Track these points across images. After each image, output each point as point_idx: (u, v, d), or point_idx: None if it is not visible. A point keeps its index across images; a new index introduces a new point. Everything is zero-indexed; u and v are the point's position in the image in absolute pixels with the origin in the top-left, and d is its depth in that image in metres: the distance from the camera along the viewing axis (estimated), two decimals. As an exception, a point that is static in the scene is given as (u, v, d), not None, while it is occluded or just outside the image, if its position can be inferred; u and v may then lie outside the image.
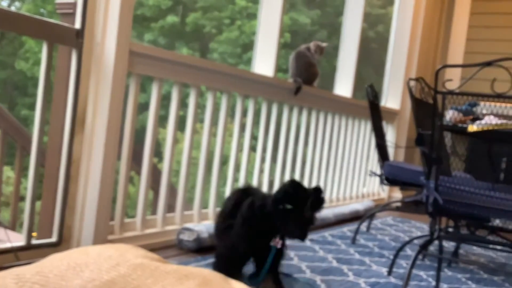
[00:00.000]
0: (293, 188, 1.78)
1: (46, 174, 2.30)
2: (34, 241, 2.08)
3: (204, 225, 2.64)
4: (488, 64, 1.85)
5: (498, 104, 2.00)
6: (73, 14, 2.17)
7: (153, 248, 2.38)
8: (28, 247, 2.03)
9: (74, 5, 2.19)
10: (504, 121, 2.10)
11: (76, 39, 2.10)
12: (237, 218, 1.88)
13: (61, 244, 2.15)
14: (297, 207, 1.77)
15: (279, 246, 1.85)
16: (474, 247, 3.27)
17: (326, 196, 4.05)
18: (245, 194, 1.98)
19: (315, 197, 1.79)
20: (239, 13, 13.07)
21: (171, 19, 12.84)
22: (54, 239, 2.15)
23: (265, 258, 1.87)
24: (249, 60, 11.23)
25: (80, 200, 2.19)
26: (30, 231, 2.04)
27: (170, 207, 2.68)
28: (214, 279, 0.84)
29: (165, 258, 2.39)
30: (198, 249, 2.49)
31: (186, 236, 2.51)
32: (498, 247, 2.61)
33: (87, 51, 2.15)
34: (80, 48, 2.12)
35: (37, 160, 2.03)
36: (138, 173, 2.87)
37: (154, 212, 2.97)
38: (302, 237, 1.81)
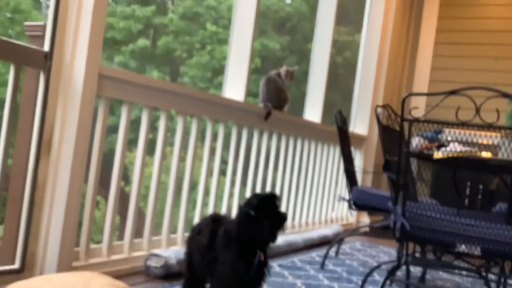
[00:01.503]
0: (253, 196, 1.87)
1: (10, 199, 2.23)
2: (-5, 268, 2.01)
3: (172, 250, 2.60)
4: (453, 92, 1.90)
5: (462, 131, 2.05)
6: (42, 37, 2.14)
7: (119, 275, 2.33)
8: (-12, 274, 1.96)
9: (43, 27, 2.17)
10: (468, 148, 2.15)
11: (44, 61, 2.08)
12: (220, 251, 1.89)
13: (24, 271, 2.08)
14: (259, 213, 1.82)
15: (262, 258, 1.85)
16: (441, 272, 3.31)
17: (296, 221, 4.05)
18: (216, 223, 1.97)
19: (270, 201, 1.84)
20: (209, 38, 13.16)
21: (142, 42, 12.83)
22: (16, 265, 2.08)
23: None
24: (219, 84, 11.27)
25: (44, 226, 2.13)
26: (-9, 257, 1.97)
27: (137, 232, 2.63)
28: (182, 308, 0.83)
29: (132, 285, 2.34)
30: (166, 275, 2.45)
31: (153, 263, 2.47)
32: (464, 272, 2.65)
33: (56, 74, 2.12)
34: (49, 71, 2.09)
35: (1, 184, 1.97)
36: (105, 197, 2.83)
37: (121, 237, 2.91)
38: (271, 238, 1.82)
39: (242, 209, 1.85)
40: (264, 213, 1.84)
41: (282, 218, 1.83)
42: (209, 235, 1.94)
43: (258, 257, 1.85)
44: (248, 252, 1.86)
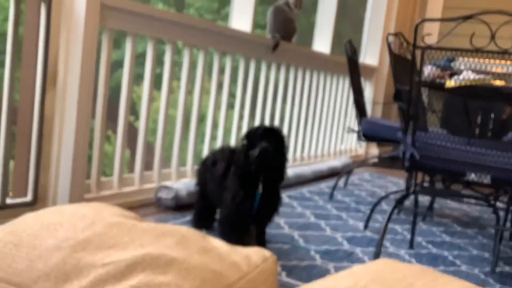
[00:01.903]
0: (252, 128, 1.93)
1: (19, 133, 2.24)
2: (9, 201, 2.04)
3: (182, 183, 2.63)
4: (468, 17, 1.83)
5: (476, 59, 2.00)
6: (40, -35, 2.06)
7: (131, 207, 2.37)
8: (2, 206, 2.00)
9: (41, -45, 2.08)
10: (481, 76, 2.10)
11: (44, -9, 2.01)
12: (228, 180, 1.94)
13: (36, 204, 2.12)
14: (247, 144, 1.89)
15: (259, 190, 1.88)
16: (449, 201, 3.34)
17: (305, 153, 4.06)
18: (232, 155, 2.01)
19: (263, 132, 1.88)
20: (215, -33, 12.73)
21: (146, -28, 12.46)
22: (29, 198, 2.11)
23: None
24: (226, 16, 11.02)
25: (54, 159, 2.15)
26: (4, 191, 2.00)
27: (147, 165, 2.66)
28: (192, 237, 0.83)
29: (143, 216, 2.39)
30: (176, 207, 2.49)
31: (164, 194, 2.50)
32: (472, 201, 2.67)
33: (57, 5, 2.06)
34: (49, 2, 2.03)
35: (9, 118, 1.97)
36: (115, 131, 2.83)
37: (131, 170, 2.95)
38: (254, 164, 1.85)
39: (241, 141, 1.92)
40: (251, 144, 1.87)
41: (261, 149, 1.83)
42: (225, 165, 1.98)
43: (259, 188, 1.88)
44: (250, 183, 1.89)
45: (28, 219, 0.89)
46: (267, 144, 1.84)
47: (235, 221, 1.93)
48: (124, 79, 2.43)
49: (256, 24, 3.32)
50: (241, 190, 1.89)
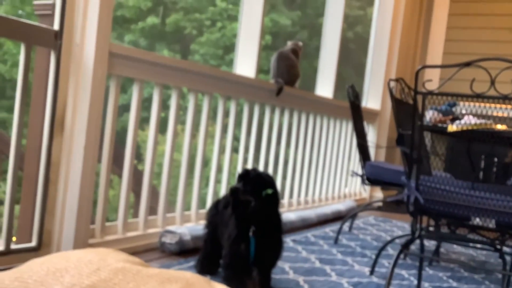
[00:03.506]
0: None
1: (25, 178, 2.26)
2: (14, 246, 2.04)
3: (186, 227, 2.63)
4: (467, 64, 1.87)
5: (477, 104, 2.02)
6: (51, 15, 2.14)
7: (135, 252, 2.36)
8: (7, 252, 2.00)
9: (52, 6, 2.16)
10: (483, 120, 2.12)
11: (54, 40, 2.07)
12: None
13: (40, 249, 2.12)
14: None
15: (250, 233, 1.89)
16: (455, 246, 3.30)
17: (309, 196, 4.06)
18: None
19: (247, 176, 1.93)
20: (219, 15, 13.03)
21: (152, 20, 12.74)
22: (33, 243, 2.11)
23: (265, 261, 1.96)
24: (231, 62, 11.21)
25: (59, 204, 2.16)
26: (9, 235, 2.00)
27: (152, 210, 2.66)
28: (197, 282, 0.83)
29: (147, 261, 2.37)
30: (181, 251, 2.47)
31: (168, 239, 2.49)
32: (478, 246, 2.64)
33: (66, 53, 2.12)
34: (59, 50, 2.09)
35: (16, 163, 1.99)
36: (119, 175, 2.85)
37: (135, 215, 2.94)
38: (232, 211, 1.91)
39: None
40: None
41: (230, 189, 1.91)
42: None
43: (251, 232, 1.89)
44: (243, 225, 1.92)
45: (34, 265, 0.90)
46: (236, 185, 1.91)
47: (232, 262, 1.92)
48: (131, 124, 2.46)
49: (260, 70, 3.39)
50: (235, 230, 1.91)
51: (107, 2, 2.16)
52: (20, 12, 11.13)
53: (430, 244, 3.19)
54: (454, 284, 2.49)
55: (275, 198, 1.93)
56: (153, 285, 0.83)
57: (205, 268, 2.16)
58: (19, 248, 2.06)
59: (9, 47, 10.76)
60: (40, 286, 0.81)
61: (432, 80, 2.24)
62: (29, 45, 2.01)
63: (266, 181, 1.93)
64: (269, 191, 1.91)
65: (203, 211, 3.00)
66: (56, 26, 2.09)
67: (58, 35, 2.08)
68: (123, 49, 2.34)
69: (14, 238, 2.08)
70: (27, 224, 2.17)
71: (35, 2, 2.30)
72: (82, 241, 2.17)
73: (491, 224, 1.92)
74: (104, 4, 2.15)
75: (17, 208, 2.16)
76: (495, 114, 2.47)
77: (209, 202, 2.95)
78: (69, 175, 2.15)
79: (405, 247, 2.21)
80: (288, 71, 3.47)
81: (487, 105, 2.03)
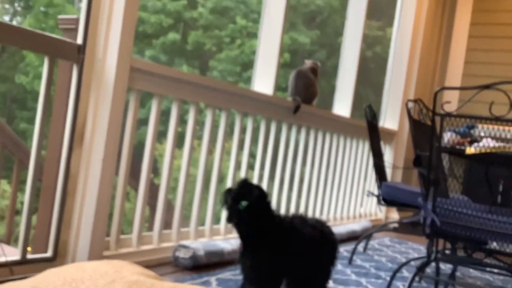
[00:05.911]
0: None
1: (43, 188, 2.29)
2: (29, 256, 2.06)
3: (200, 242, 2.63)
4: (487, 87, 1.86)
5: (496, 126, 2.01)
6: (75, 30, 2.19)
7: (148, 265, 2.36)
8: (23, 261, 2.02)
9: (76, 20, 2.21)
10: (501, 144, 2.10)
11: (77, 54, 2.12)
12: None
13: (56, 259, 2.14)
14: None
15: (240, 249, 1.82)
16: (471, 270, 3.25)
17: (324, 215, 4.03)
18: None
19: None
20: (239, 32, 13.17)
21: (172, 36, 12.92)
22: (49, 254, 2.13)
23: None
24: (248, 79, 11.29)
25: (76, 215, 2.18)
26: (25, 245, 2.02)
27: (166, 224, 2.67)
28: (210, 298, 0.84)
29: (161, 275, 2.37)
30: (194, 266, 2.47)
31: (182, 254, 2.50)
32: (495, 270, 2.60)
33: (88, 66, 2.16)
34: (81, 64, 2.13)
35: (35, 174, 2.02)
36: (135, 189, 2.87)
37: (150, 228, 2.95)
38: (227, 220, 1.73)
39: None
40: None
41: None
42: None
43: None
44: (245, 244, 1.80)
45: (51, 274, 0.91)
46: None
47: (243, 272, 1.85)
48: (148, 138, 2.48)
49: (278, 87, 3.41)
50: (243, 254, 1.83)
51: (130, 18, 2.20)
52: (44, 25, 11.37)
53: (446, 267, 3.14)
54: (470, 309, 2.44)
55: (253, 209, 1.65)
56: (167, 299, 0.83)
57: None
58: (34, 258, 2.08)
59: (31, 59, 10.98)
60: (55, 296, 0.82)
61: (451, 101, 2.24)
62: (53, 58, 2.05)
63: (239, 193, 1.65)
64: (244, 203, 1.64)
65: (217, 227, 3.00)
66: (79, 40, 2.13)
67: (81, 49, 2.12)
68: (144, 64, 2.37)
69: (29, 248, 2.11)
70: (43, 234, 2.20)
71: (59, 17, 2.35)
72: (97, 253, 2.18)
73: (509, 248, 1.89)
74: (127, 20, 2.19)
75: (34, 218, 2.19)
76: (514, 137, 2.44)
77: (223, 218, 2.95)
78: (86, 187, 2.18)
79: (420, 269, 2.18)
80: (306, 89, 3.48)
81: (506, 128, 2.02)
